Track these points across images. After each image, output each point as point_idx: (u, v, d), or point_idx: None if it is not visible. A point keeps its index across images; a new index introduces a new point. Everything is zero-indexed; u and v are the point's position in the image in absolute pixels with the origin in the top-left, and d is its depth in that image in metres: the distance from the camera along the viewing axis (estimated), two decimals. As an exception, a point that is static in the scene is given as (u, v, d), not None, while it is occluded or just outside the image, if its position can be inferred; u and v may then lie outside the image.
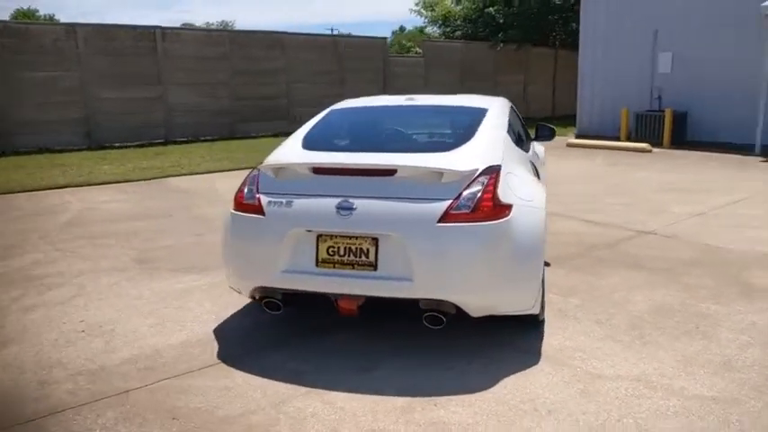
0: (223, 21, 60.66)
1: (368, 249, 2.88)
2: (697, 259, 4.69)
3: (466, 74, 19.41)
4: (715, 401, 2.61)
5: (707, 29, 12.21)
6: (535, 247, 3.00)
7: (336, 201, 2.91)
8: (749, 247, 5.00)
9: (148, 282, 4.36)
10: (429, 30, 26.38)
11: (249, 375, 2.91)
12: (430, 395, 2.69)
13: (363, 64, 17.33)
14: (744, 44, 11.58)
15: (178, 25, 24.60)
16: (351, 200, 2.89)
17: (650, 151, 11.77)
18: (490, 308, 2.96)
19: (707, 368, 2.92)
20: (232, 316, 3.69)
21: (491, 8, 20.62)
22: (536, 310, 3.09)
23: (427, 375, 2.89)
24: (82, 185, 8.53)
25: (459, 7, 22.85)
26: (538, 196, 3.26)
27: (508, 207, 2.91)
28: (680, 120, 12.59)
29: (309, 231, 2.95)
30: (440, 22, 23.88)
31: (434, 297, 2.83)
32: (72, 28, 12.77)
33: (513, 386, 2.77)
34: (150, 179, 9.09)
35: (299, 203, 2.99)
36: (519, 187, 3.12)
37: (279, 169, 3.15)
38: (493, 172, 2.97)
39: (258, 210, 3.05)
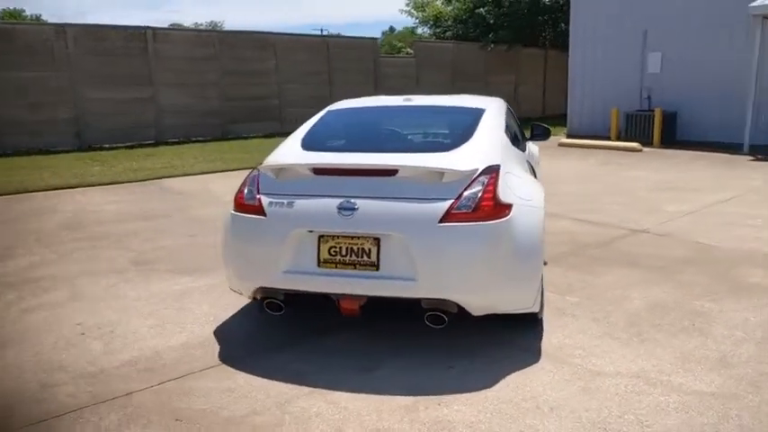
0: (212, 21, 60.49)
1: (370, 249, 2.89)
2: (690, 257, 4.75)
3: (457, 74, 19.49)
4: (714, 397, 2.65)
5: (696, 29, 12.36)
6: (535, 246, 3.03)
7: (338, 201, 2.92)
8: (740, 244, 5.08)
9: (146, 283, 4.34)
10: (420, 30, 26.48)
11: (251, 376, 2.91)
12: (433, 394, 2.71)
13: (354, 64, 17.34)
14: (732, 44, 11.74)
15: (166, 26, 24.45)
16: (352, 200, 2.90)
17: (641, 151, 11.88)
18: (491, 307, 2.99)
19: (704, 364, 2.96)
20: (232, 317, 3.68)
21: (481, 9, 20.70)
22: (536, 309, 3.12)
23: (429, 375, 2.91)
24: (73, 187, 8.47)
25: (449, 8, 22.92)
26: (536, 195, 3.29)
27: (508, 206, 2.93)
28: (669, 119, 12.72)
29: (311, 232, 2.96)
30: (431, 22, 23.95)
31: (437, 296, 2.85)
32: (61, 28, 12.67)
33: (515, 384, 2.79)
34: (143, 180, 9.04)
35: (301, 204, 2.99)
36: (518, 187, 3.15)
37: (279, 170, 3.15)
38: (493, 172, 3.00)
39: (259, 210, 3.05)
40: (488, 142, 3.36)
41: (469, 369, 2.96)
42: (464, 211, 2.84)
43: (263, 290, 3.08)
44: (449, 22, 22.58)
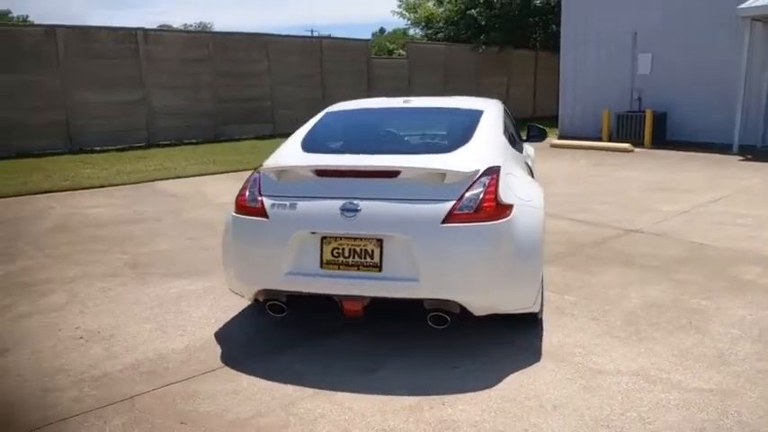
0: (201, 22, 60.26)
1: (372, 250, 2.90)
2: (685, 256, 4.81)
3: (449, 76, 19.57)
4: (713, 393, 2.69)
5: (686, 31, 12.50)
6: (535, 247, 3.06)
7: (340, 203, 2.93)
8: (733, 243, 5.14)
9: (143, 287, 4.33)
10: (411, 32, 26.55)
11: (255, 378, 2.92)
12: (437, 394, 2.73)
13: (347, 66, 17.35)
14: (721, 46, 11.89)
15: (155, 27, 24.30)
16: (355, 201, 2.92)
17: (632, 151, 11.99)
18: (493, 307, 3.01)
19: (702, 362, 3.00)
20: (232, 319, 3.68)
21: (473, 10, 20.80)
22: (536, 309, 3.15)
23: (432, 375, 2.93)
24: (66, 190, 8.40)
25: (441, 9, 23.00)
26: (536, 196, 3.33)
27: (509, 207, 2.96)
28: (660, 120, 12.86)
29: (314, 233, 2.97)
30: (422, 24, 24.02)
31: (440, 297, 2.87)
32: (52, 30, 12.56)
33: (518, 383, 2.82)
34: (135, 183, 8.99)
35: (303, 206, 3.00)
36: (518, 187, 3.18)
37: (281, 172, 3.15)
38: (493, 173, 3.02)
39: (261, 212, 3.06)
40: (488, 143, 3.39)
41: (471, 369, 2.98)
42: (466, 211, 2.86)
43: (265, 292, 3.08)
44: (440, 24, 22.67)
